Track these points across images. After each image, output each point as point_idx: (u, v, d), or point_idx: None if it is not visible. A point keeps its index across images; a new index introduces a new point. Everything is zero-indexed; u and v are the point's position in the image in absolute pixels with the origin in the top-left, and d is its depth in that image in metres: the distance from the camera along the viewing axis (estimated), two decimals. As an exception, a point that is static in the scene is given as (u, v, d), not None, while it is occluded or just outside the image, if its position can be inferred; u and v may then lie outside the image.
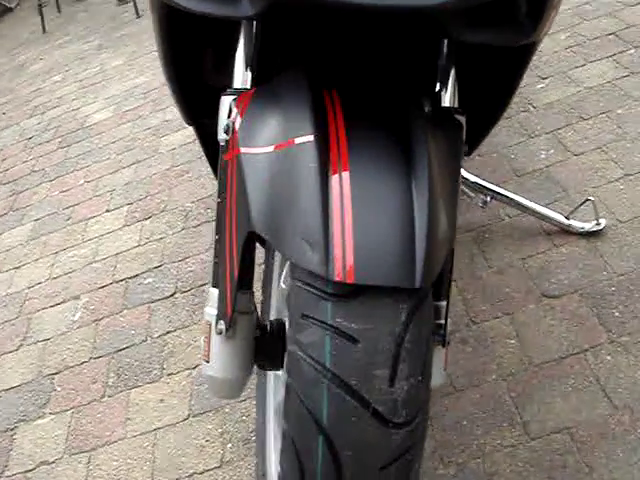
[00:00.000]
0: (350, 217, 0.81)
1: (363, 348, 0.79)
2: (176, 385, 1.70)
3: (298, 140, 0.86)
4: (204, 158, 2.61)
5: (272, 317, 1.28)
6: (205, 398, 1.64)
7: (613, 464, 1.23)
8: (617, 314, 1.49)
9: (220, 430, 1.55)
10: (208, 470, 1.48)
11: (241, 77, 1.03)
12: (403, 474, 0.83)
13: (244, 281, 1.01)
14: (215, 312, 1.02)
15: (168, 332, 1.87)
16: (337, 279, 0.78)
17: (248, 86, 1.03)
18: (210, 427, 1.57)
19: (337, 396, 0.79)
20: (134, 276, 2.13)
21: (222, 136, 1.00)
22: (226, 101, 1.01)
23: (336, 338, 0.79)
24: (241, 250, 0.93)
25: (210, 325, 1.04)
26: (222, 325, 1.00)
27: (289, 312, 0.84)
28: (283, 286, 1.18)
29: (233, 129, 0.95)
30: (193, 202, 2.39)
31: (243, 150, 0.91)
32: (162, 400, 1.68)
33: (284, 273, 1.19)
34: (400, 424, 0.81)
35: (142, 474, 1.52)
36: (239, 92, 1.01)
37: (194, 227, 2.25)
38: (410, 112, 0.92)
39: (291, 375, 0.82)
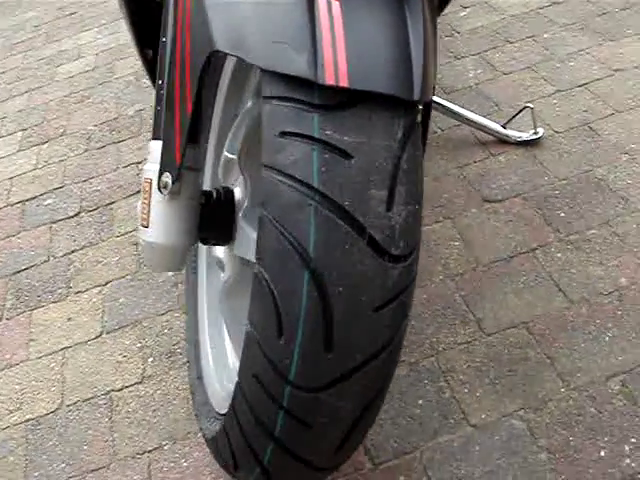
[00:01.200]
0: (340, 20, 0.69)
1: (357, 164, 0.67)
2: (85, 303, 1.52)
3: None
4: (106, 84, 2.43)
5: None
6: (119, 314, 1.47)
7: (575, 354, 1.17)
8: (563, 215, 1.43)
9: (139, 345, 1.39)
10: (128, 386, 1.31)
11: None
12: (397, 319, 0.72)
13: (194, 130, 0.87)
14: (157, 167, 0.88)
15: (73, 251, 1.68)
16: (328, 83, 0.66)
17: None
18: (127, 343, 1.40)
19: (327, 220, 0.66)
20: (32, 198, 1.91)
21: None
22: None
23: (325, 153, 0.67)
24: (196, 83, 0.79)
25: (150, 183, 0.89)
26: (168, 178, 0.86)
27: (264, 133, 0.70)
28: (228, 155, 1.04)
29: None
30: (96, 125, 2.18)
31: None
32: (70, 319, 1.49)
33: (228, 141, 1.05)
34: (397, 257, 0.69)
35: (50, 395, 1.34)
36: None
37: (98, 149, 2.05)
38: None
39: (267, 206, 0.68)
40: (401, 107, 0.70)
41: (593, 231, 1.38)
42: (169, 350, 1.36)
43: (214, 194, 0.96)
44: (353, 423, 0.76)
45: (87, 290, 1.55)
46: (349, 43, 0.68)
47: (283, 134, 0.68)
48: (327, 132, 0.67)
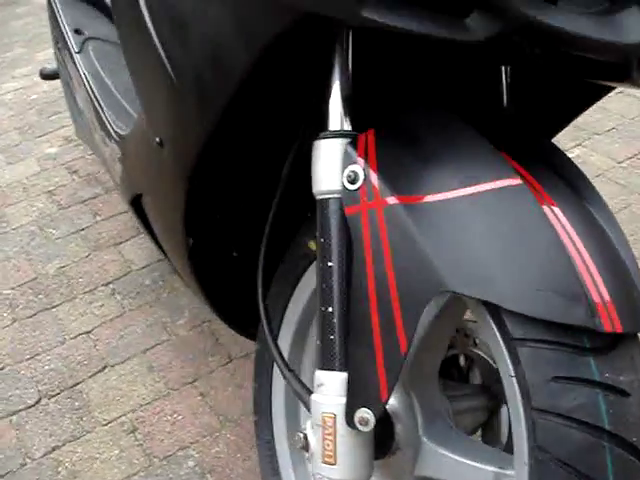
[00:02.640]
0: (590, 260, 0.74)
1: (634, 401, 0.73)
2: (103, 512, 1.37)
3: (502, 183, 0.77)
4: (3, 237, 2.21)
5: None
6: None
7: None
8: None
9: None
10: None
11: (339, 119, 0.87)
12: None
13: None
14: (342, 401, 0.84)
15: (54, 448, 1.50)
16: (607, 330, 0.71)
17: (349, 128, 0.87)
18: None
19: (621, 459, 0.71)
20: (-32, 386, 1.68)
21: (333, 186, 0.84)
22: (330, 146, 0.85)
23: (609, 395, 0.72)
24: (414, 326, 0.77)
25: (334, 418, 0.85)
26: (368, 414, 0.82)
27: (529, 377, 0.72)
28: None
29: (366, 176, 0.80)
30: (13, 288, 1.97)
31: (400, 200, 0.77)
32: (90, 535, 1.33)
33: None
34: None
35: None
36: (348, 135, 0.85)
37: (30, 317, 1.85)
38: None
39: (549, 449, 0.71)
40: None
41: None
42: None
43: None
44: None
45: (98, 496, 1.40)
46: (607, 284, 0.73)
47: (558, 378, 0.71)
48: (606, 375, 0.72)
